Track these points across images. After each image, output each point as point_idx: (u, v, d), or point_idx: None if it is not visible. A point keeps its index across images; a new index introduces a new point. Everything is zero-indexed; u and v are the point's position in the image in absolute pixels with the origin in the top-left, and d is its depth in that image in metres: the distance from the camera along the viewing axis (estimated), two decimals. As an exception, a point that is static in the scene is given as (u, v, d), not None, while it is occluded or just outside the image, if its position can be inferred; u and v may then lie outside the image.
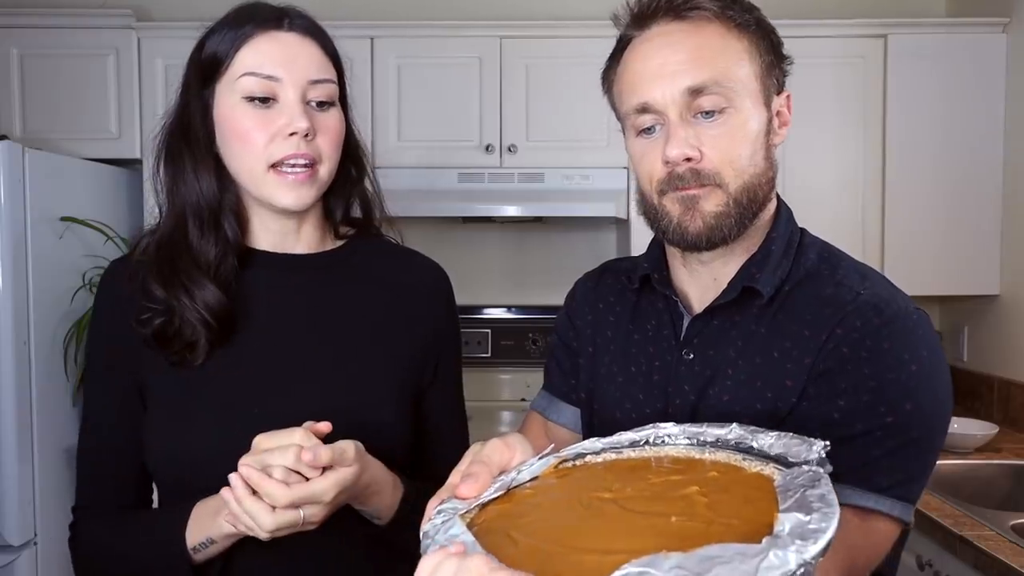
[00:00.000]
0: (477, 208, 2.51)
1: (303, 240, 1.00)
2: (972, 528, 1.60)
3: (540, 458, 0.66)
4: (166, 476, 0.96)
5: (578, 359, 1.02)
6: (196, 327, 0.91)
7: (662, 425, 0.68)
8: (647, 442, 0.68)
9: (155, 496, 1.02)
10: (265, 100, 0.90)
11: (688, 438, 0.67)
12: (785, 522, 0.48)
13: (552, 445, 0.69)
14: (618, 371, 0.95)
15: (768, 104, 0.86)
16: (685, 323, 0.90)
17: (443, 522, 0.59)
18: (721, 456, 0.64)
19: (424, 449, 1.02)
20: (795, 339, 0.83)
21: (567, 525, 0.57)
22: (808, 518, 0.48)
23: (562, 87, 2.49)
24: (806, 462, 0.57)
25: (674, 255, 0.92)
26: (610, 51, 0.91)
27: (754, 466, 0.60)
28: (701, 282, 0.90)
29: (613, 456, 0.68)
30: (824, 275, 0.86)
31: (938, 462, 2.25)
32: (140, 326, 0.93)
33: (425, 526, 0.59)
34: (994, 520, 1.63)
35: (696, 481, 0.60)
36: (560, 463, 0.68)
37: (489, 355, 2.78)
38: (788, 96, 0.90)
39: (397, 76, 2.53)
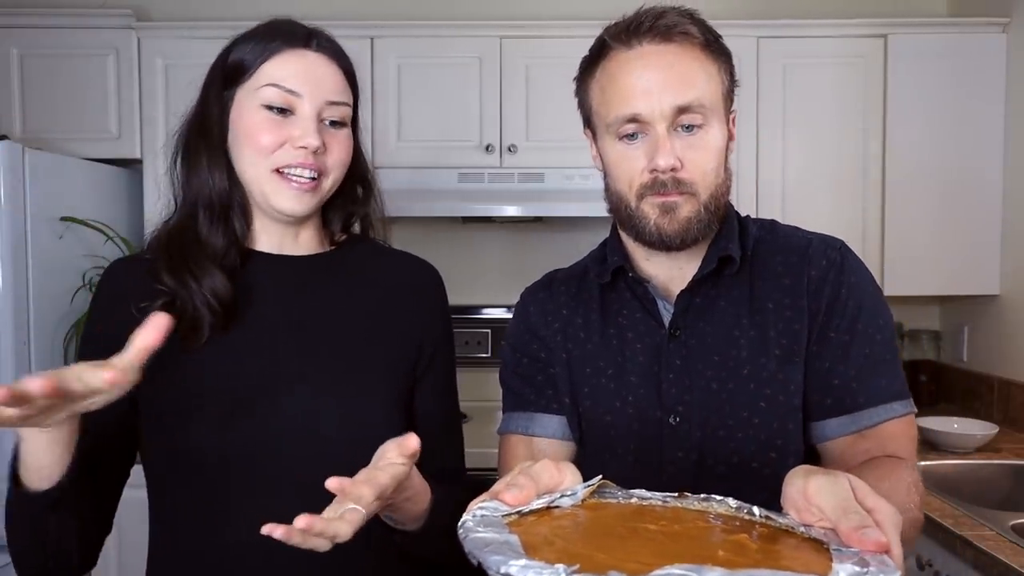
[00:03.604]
0: (477, 208, 2.51)
1: (301, 244, 1.04)
2: (972, 528, 1.60)
3: (587, 486, 0.66)
4: (161, 465, 0.96)
5: (551, 369, 1.04)
6: (200, 309, 0.94)
7: (717, 496, 0.66)
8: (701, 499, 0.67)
9: (139, 495, 1.00)
10: (283, 111, 0.95)
11: (738, 507, 0.65)
12: (840, 571, 0.46)
13: (600, 476, 0.69)
14: (605, 365, 1.00)
15: (728, 123, 0.96)
16: (661, 306, 0.99)
17: (482, 516, 0.59)
18: (774, 522, 0.62)
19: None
20: (783, 289, 0.96)
21: (609, 540, 0.56)
22: (865, 570, 0.46)
23: (562, 87, 2.46)
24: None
25: (636, 249, 1.00)
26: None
27: (809, 533, 0.58)
28: (665, 271, 0.99)
29: (660, 501, 0.67)
30: (769, 238, 1.01)
31: (938, 462, 2.24)
32: (140, 313, 0.91)
33: (464, 517, 0.59)
34: (994, 520, 1.63)
35: (747, 531, 0.59)
36: (604, 491, 0.67)
37: (489, 355, 2.78)
38: (734, 114, 1.00)
39: (397, 76, 2.53)
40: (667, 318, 0.98)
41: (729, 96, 0.96)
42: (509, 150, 2.52)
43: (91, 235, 2.27)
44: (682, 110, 0.89)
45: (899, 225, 2.51)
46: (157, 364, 0.94)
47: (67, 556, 0.91)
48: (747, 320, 0.95)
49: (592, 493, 0.67)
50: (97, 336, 0.99)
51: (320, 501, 0.92)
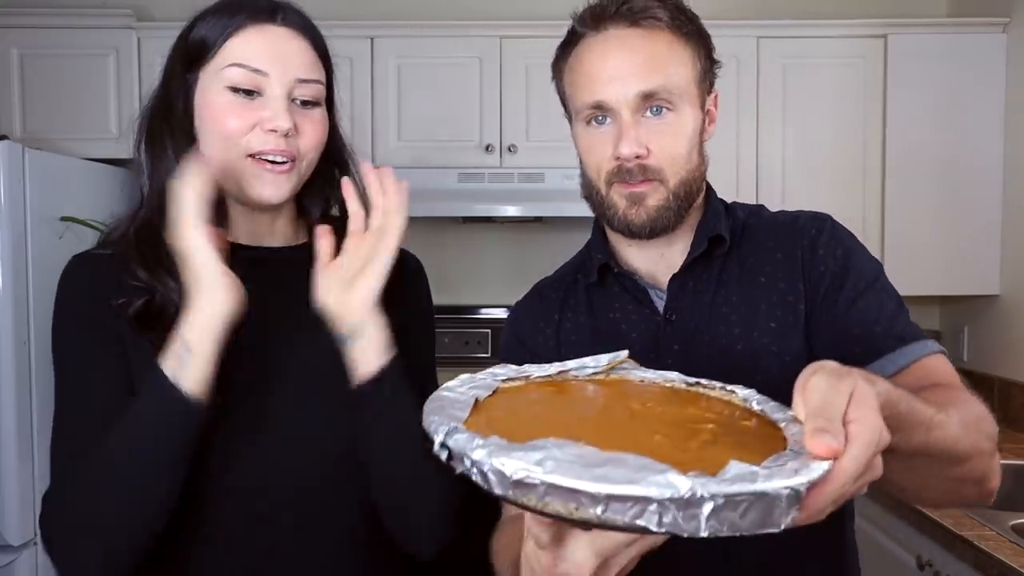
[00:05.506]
0: (477, 208, 2.51)
1: (278, 233, 1.00)
2: (972, 528, 1.60)
3: (612, 358, 0.70)
4: None
5: None
6: (180, 307, 0.87)
7: (740, 389, 0.65)
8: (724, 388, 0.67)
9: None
10: (249, 93, 0.89)
11: (745, 398, 0.64)
12: (733, 468, 0.45)
13: (626, 350, 0.73)
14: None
15: (702, 106, 0.94)
16: (652, 295, 0.98)
17: (481, 380, 0.63)
18: (775, 415, 0.59)
19: None
20: (775, 263, 0.95)
21: (568, 414, 0.60)
22: (756, 469, 0.45)
23: (562, 87, 2.49)
24: None
25: (619, 239, 1.00)
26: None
27: (788, 432, 0.55)
28: (650, 259, 0.98)
29: (683, 384, 0.68)
30: (755, 221, 1.00)
31: (938, 462, 2.20)
32: (122, 308, 0.88)
33: (463, 376, 0.63)
34: (994, 520, 1.63)
35: (721, 422, 0.58)
36: (617, 368, 0.70)
37: (489, 355, 2.78)
38: (716, 95, 0.97)
39: (397, 76, 2.53)
40: (660, 305, 0.97)
41: (705, 79, 0.94)
42: (509, 150, 2.52)
43: (91, 235, 2.26)
44: (647, 96, 0.88)
45: (899, 226, 2.51)
46: (140, 364, 0.89)
47: (138, 538, 0.84)
48: (737, 297, 0.94)
49: (615, 367, 0.70)
50: (81, 325, 0.91)
51: (308, 496, 0.92)
